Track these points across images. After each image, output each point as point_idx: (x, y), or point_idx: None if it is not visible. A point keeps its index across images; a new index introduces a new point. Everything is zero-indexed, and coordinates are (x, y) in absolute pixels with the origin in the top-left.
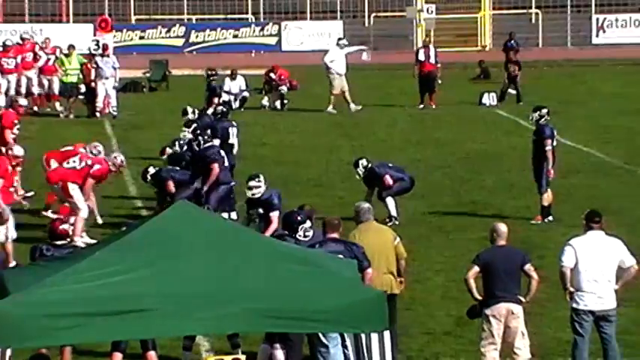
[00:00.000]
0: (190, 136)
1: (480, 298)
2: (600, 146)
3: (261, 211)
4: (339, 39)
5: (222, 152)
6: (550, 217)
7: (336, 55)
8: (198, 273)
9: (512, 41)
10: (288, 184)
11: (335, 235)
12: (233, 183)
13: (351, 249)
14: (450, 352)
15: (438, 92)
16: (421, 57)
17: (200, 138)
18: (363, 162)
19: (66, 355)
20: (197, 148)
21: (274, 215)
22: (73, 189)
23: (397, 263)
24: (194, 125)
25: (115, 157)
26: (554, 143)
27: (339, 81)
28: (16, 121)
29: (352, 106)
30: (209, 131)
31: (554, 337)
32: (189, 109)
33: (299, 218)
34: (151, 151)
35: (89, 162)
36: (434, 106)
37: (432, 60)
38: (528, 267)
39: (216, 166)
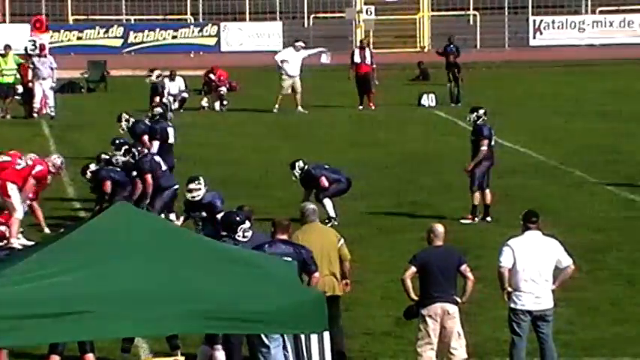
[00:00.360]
0: (123, 158)
1: (416, 298)
2: (537, 147)
3: (204, 214)
4: (296, 41)
5: (158, 158)
6: (489, 218)
7: (290, 56)
8: (137, 274)
9: (452, 45)
10: (228, 185)
11: (284, 237)
12: (176, 186)
13: (300, 252)
14: (389, 353)
15: (377, 93)
16: (357, 59)
17: (134, 150)
18: (300, 164)
19: (2, 357)
20: (133, 160)
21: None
22: (12, 189)
23: (342, 265)
24: (124, 147)
25: (55, 159)
26: (492, 143)
27: (288, 82)
28: None
29: (299, 108)
30: (145, 137)
31: (491, 336)
32: (125, 117)
33: (238, 219)
34: (89, 152)
35: (29, 162)
36: (373, 107)
37: (368, 61)
38: (464, 267)
39: (149, 177)
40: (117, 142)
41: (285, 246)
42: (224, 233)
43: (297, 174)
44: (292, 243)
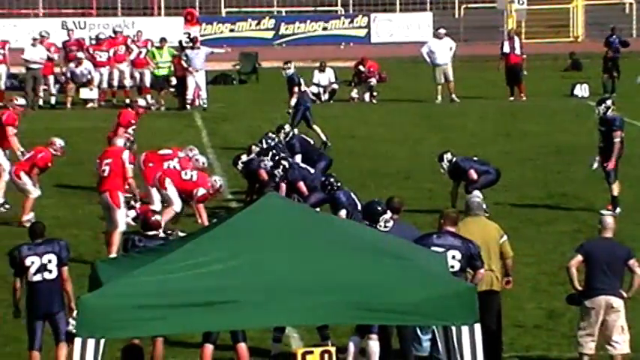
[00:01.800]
0: (270, 163)
1: (579, 288)
2: None
3: None
4: (438, 29)
5: (304, 165)
6: (618, 209)
7: (435, 45)
8: (288, 264)
9: (614, 36)
10: (377, 176)
11: (452, 229)
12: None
13: (468, 246)
14: (541, 346)
15: (526, 84)
16: (506, 49)
17: (284, 162)
18: (448, 156)
19: (158, 345)
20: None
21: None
22: (169, 183)
23: (504, 262)
24: (271, 154)
25: (215, 181)
26: (623, 134)
27: (439, 71)
28: (132, 121)
29: (453, 97)
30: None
31: None
32: (287, 127)
33: (379, 209)
34: (240, 143)
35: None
36: (524, 98)
37: (517, 51)
38: (632, 262)
39: (301, 185)
40: (265, 146)
41: (454, 238)
42: (366, 222)
43: (445, 166)
44: (461, 236)
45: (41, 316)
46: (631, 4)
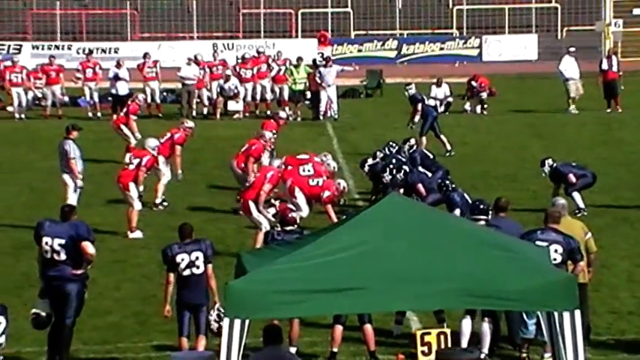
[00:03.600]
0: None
1: None
2: None
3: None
4: (569, 47)
5: (422, 169)
6: None
7: (567, 63)
8: (408, 255)
9: None
10: (487, 179)
11: (555, 226)
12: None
13: (569, 241)
14: (634, 330)
15: (621, 98)
16: (604, 66)
17: (405, 167)
18: (549, 161)
19: (294, 326)
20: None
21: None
22: (299, 192)
23: (588, 256)
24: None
25: (339, 184)
26: None
27: (573, 85)
28: (274, 131)
29: (571, 107)
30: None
31: None
32: (412, 141)
33: (482, 207)
34: (366, 149)
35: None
36: (619, 110)
37: (615, 69)
38: None
39: (420, 187)
40: (388, 153)
41: (556, 234)
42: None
43: (546, 170)
44: (562, 232)
45: (188, 307)
46: None
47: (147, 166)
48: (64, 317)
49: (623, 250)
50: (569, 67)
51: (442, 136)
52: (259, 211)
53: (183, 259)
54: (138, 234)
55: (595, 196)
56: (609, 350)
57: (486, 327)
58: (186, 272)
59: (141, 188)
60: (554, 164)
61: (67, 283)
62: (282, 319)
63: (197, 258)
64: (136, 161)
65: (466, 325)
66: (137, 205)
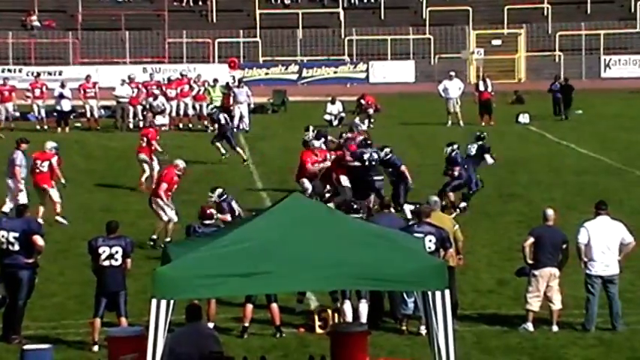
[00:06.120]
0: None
1: (531, 262)
2: (606, 153)
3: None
4: (449, 72)
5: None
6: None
7: (448, 84)
8: (308, 244)
9: (556, 83)
10: None
11: (428, 220)
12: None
13: (440, 232)
14: (493, 305)
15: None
16: (481, 88)
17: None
18: (454, 147)
19: (212, 305)
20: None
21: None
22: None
23: (456, 244)
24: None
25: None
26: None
27: (450, 103)
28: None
29: (461, 123)
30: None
31: (571, 295)
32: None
33: (355, 207)
34: (273, 156)
35: None
36: (492, 124)
37: (489, 89)
38: (565, 245)
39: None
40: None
41: (430, 227)
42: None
43: (447, 151)
44: (435, 225)
45: (105, 293)
46: (559, 55)
47: (59, 163)
48: (17, 299)
49: (485, 239)
50: (449, 87)
51: (239, 148)
52: (163, 206)
53: (104, 251)
54: (63, 220)
55: (458, 193)
56: (473, 323)
57: (364, 307)
58: (106, 263)
59: (62, 181)
60: (454, 152)
61: (20, 270)
62: (202, 299)
63: (117, 252)
64: (46, 164)
65: (347, 306)
66: (58, 198)
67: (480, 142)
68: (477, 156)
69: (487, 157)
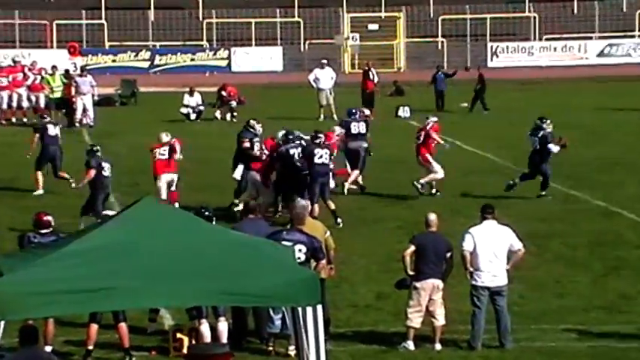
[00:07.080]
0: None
1: (412, 273)
2: (493, 151)
3: None
4: (322, 60)
5: None
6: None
7: (319, 74)
8: (161, 254)
9: (440, 73)
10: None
11: (300, 227)
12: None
13: (312, 241)
14: (370, 322)
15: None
16: (370, 76)
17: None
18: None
19: (49, 325)
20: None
21: None
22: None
23: (327, 253)
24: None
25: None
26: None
27: (322, 95)
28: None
29: (335, 116)
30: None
31: (455, 308)
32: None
33: (207, 214)
34: (122, 155)
35: None
36: (372, 118)
37: (375, 79)
38: (450, 254)
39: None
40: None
41: (301, 234)
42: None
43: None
44: (307, 233)
45: None
46: (442, 42)
47: None
48: None
49: (361, 248)
50: (320, 77)
51: None
52: None
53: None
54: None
55: (341, 200)
56: (348, 341)
57: (223, 326)
58: None
59: None
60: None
61: None
62: (37, 319)
63: None
64: None
65: (205, 326)
66: None
67: (542, 133)
68: (542, 149)
69: (551, 146)
